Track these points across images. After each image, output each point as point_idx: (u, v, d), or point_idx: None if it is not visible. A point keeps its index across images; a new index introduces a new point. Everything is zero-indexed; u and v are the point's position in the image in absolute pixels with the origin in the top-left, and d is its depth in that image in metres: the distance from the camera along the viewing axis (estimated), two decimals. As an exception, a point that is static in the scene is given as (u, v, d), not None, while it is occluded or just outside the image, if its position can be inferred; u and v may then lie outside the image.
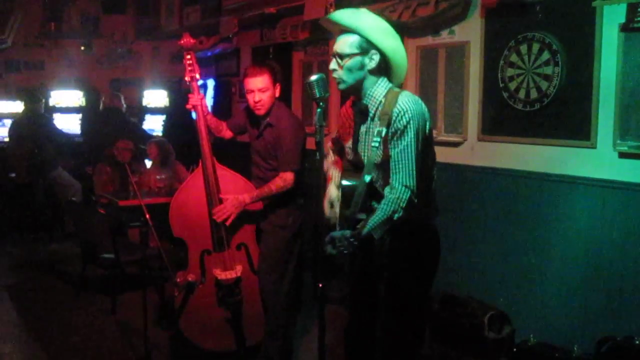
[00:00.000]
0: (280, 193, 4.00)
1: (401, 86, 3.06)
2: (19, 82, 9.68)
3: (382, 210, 2.79)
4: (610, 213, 4.06)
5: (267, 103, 4.04)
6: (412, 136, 2.82)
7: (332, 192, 3.06)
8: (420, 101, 2.93)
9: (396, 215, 2.78)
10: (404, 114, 2.82)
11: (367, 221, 2.77)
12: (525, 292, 4.56)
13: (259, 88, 4.00)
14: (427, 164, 2.94)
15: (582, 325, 4.19)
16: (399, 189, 2.80)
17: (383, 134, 2.84)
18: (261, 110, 4.05)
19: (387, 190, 2.85)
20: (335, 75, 2.93)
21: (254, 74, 4.01)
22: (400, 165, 2.83)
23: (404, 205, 2.79)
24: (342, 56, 2.90)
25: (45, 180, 7.88)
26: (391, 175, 2.85)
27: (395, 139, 2.84)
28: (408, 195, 2.80)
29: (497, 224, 4.77)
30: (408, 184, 2.81)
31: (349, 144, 3.09)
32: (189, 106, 4.19)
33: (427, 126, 2.93)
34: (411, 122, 2.82)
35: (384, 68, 2.96)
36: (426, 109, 2.95)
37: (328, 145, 3.35)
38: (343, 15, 2.91)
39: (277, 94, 4.08)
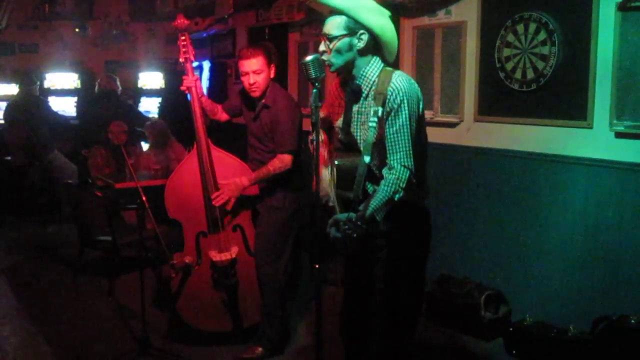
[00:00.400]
0: (278, 174, 4.00)
1: (397, 65, 3.05)
2: (14, 64, 9.63)
3: (383, 192, 2.78)
4: (606, 193, 4.06)
5: (262, 85, 4.02)
6: (407, 115, 2.82)
7: (323, 171, 3.05)
8: (413, 81, 2.93)
9: (397, 196, 2.78)
10: (398, 93, 2.82)
11: (368, 203, 2.76)
12: (522, 272, 4.58)
13: (254, 70, 3.97)
14: (419, 144, 2.93)
15: (578, 305, 4.20)
16: (398, 169, 2.80)
17: (380, 113, 2.82)
18: (256, 93, 4.03)
19: (385, 171, 2.84)
20: (324, 57, 2.91)
21: (248, 56, 3.98)
22: (398, 145, 2.82)
23: (404, 185, 2.79)
24: (330, 38, 2.89)
25: (41, 163, 7.87)
26: (388, 155, 2.85)
27: (390, 118, 2.83)
28: (407, 175, 2.80)
29: (493, 204, 4.77)
30: (407, 164, 2.81)
31: (338, 123, 3.08)
32: (183, 88, 4.18)
33: (421, 106, 2.93)
34: (405, 101, 2.82)
35: (375, 47, 2.94)
36: (419, 89, 2.94)
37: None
38: None
39: (272, 75, 4.05)
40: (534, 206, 4.49)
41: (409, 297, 3.08)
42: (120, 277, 5.53)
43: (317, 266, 2.91)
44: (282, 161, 3.96)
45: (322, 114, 3.19)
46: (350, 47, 2.89)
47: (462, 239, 5.00)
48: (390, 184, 2.78)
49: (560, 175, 4.31)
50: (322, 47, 2.93)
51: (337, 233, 2.69)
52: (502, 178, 4.70)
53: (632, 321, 3.67)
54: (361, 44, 2.89)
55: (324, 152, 3.12)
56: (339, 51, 2.88)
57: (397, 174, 2.79)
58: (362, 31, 2.87)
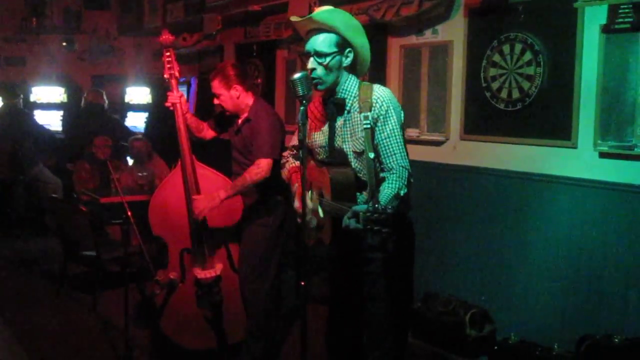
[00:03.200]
0: (258, 185, 3.94)
1: (383, 83, 3.10)
2: (0, 77, 9.59)
3: (388, 188, 2.80)
4: (590, 212, 4.09)
5: (227, 104, 4.08)
6: (395, 121, 2.91)
7: (308, 203, 3.02)
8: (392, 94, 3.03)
9: (402, 192, 2.80)
10: (384, 100, 2.91)
11: (375, 199, 2.74)
12: (507, 290, 4.59)
13: (213, 91, 4.07)
14: None
15: (563, 324, 4.22)
16: (397, 169, 2.86)
17: (370, 117, 2.90)
18: (224, 110, 4.12)
19: (385, 173, 2.89)
20: (315, 74, 2.94)
21: (210, 77, 4.07)
22: (392, 149, 2.89)
23: (406, 182, 2.84)
24: (321, 55, 2.93)
25: (26, 176, 7.82)
26: (383, 160, 2.90)
27: (379, 125, 2.91)
28: (407, 174, 2.86)
29: (478, 222, 4.78)
30: (404, 164, 2.88)
31: (319, 142, 3.10)
32: (167, 104, 4.18)
33: (402, 117, 3.01)
34: (391, 107, 2.92)
35: (353, 64, 3.03)
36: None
37: (286, 153, 3.39)
38: (322, 15, 2.93)
39: (237, 96, 4.06)
40: (518, 225, 4.51)
41: (400, 309, 3.09)
42: (104, 292, 5.49)
43: (303, 283, 2.90)
44: (259, 166, 3.90)
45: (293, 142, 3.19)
46: (340, 64, 2.96)
47: (447, 256, 5.01)
48: (393, 182, 2.82)
49: (544, 195, 4.34)
50: (311, 64, 2.95)
51: (357, 224, 2.59)
52: (487, 196, 4.72)
53: (616, 340, 3.69)
54: (348, 61, 2.99)
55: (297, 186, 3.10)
56: (330, 69, 2.94)
57: (398, 173, 2.85)
58: (349, 49, 2.97)
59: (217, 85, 4.05)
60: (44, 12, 10.06)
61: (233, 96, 4.05)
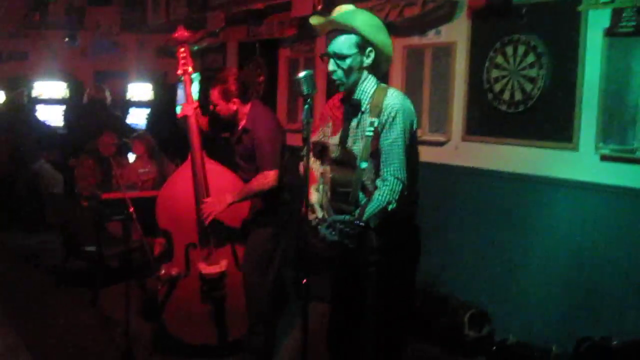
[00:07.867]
0: (264, 190, 4.01)
1: (386, 83, 3.09)
2: (2, 72, 9.60)
3: (377, 201, 2.81)
4: (591, 215, 4.10)
5: (222, 112, 4.10)
6: (401, 129, 2.89)
7: (312, 193, 3.05)
8: (407, 98, 3.00)
9: (390, 206, 2.81)
10: (393, 107, 2.89)
11: (363, 209, 2.79)
12: (506, 291, 4.60)
13: (211, 100, 4.09)
14: (411, 160, 2.97)
15: (561, 326, 4.23)
16: (391, 181, 2.85)
17: (375, 124, 2.89)
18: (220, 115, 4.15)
19: (378, 182, 2.89)
20: (335, 76, 2.95)
21: (212, 84, 4.07)
22: (391, 158, 2.88)
23: (397, 196, 2.83)
24: (341, 57, 2.92)
25: (27, 172, 7.82)
26: (382, 167, 2.90)
27: (385, 131, 2.89)
28: (400, 187, 2.85)
29: (479, 223, 4.80)
30: (399, 176, 2.86)
31: (333, 140, 3.10)
32: (181, 115, 4.22)
33: (415, 123, 3.00)
34: (400, 114, 2.89)
35: (375, 63, 3.00)
36: (412, 107, 3.01)
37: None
38: (344, 16, 2.92)
39: (235, 109, 4.08)
40: (519, 226, 4.52)
41: (400, 312, 3.10)
42: (105, 288, 5.49)
43: (304, 281, 2.92)
44: (266, 177, 3.97)
45: (314, 139, 3.20)
46: (361, 64, 2.95)
47: (447, 257, 5.01)
48: (384, 194, 2.82)
49: (545, 197, 4.36)
50: (331, 67, 2.95)
51: (332, 236, 2.68)
52: (488, 198, 4.74)
53: (614, 342, 3.70)
54: (369, 61, 2.96)
55: (314, 171, 3.13)
56: (351, 69, 2.93)
57: (391, 185, 2.84)
58: (370, 48, 2.94)
59: (215, 96, 4.06)
60: (46, 8, 10.07)
61: (230, 109, 4.09)
